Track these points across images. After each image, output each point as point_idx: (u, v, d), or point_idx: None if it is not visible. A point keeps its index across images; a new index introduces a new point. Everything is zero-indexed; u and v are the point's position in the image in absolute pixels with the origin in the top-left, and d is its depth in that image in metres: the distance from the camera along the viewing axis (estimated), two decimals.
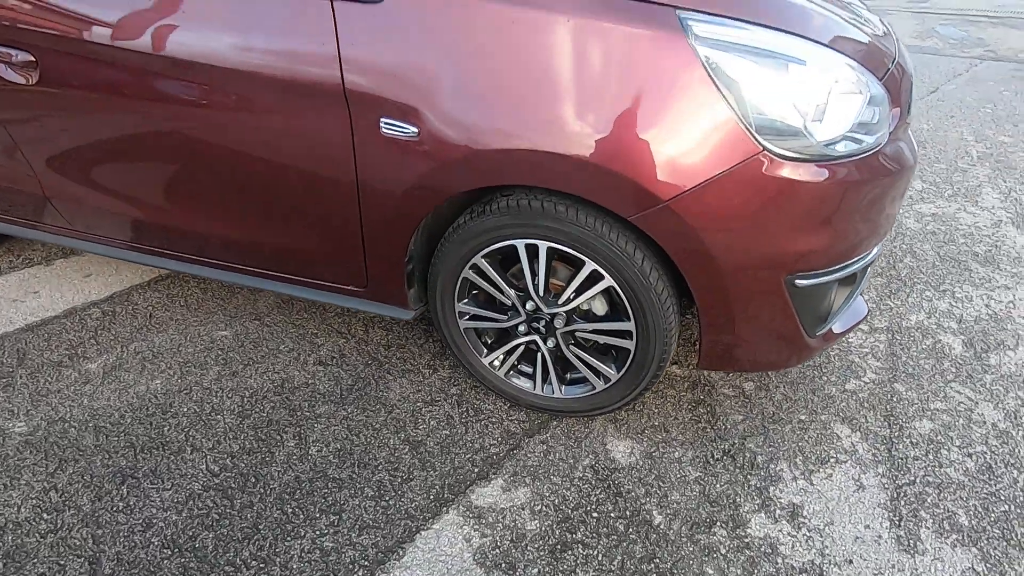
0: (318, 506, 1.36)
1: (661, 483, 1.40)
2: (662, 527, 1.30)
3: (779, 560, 1.24)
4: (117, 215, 1.70)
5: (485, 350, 1.55)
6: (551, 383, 1.51)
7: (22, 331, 1.98)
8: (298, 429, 1.57)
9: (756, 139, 1.06)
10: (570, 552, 1.26)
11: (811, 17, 1.15)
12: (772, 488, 1.38)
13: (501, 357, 1.54)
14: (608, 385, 1.44)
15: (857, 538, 1.27)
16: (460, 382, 1.70)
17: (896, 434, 1.51)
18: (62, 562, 1.26)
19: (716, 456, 1.46)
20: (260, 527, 1.32)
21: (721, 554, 1.25)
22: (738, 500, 1.36)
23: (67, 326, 1.99)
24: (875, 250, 1.34)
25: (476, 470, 1.44)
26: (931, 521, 1.30)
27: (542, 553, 1.26)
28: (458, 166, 1.19)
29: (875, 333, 1.85)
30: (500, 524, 1.32)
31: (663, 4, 1.05)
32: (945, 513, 1.32)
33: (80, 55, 1.39)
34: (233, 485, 1.42)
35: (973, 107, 3.65)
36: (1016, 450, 1.47)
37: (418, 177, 1.24)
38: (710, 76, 1.04)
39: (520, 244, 1.30)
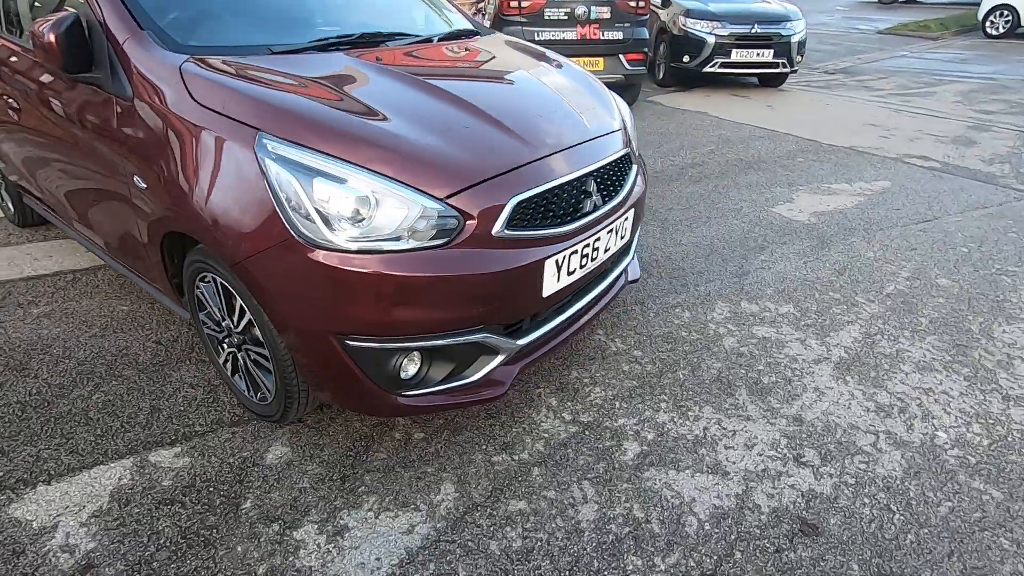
0: (43, 421, 1.94)
1: (278, 482, 1.76)
2: (245, 511, 1.66)
3: (292, 559, 1.53)
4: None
5: (224, 352, 2.04)
6: (253, 389, 1.95)
7: (23, 280, 2.88)
8: (98, 381, 2.17)
9: (292, 229, 1.45)
10: (171, 507, 1.68)
11: (386, 149, 1.51)
12: (345, 511, 1.67)
13: (231, 361, 2.02)
14: (272, 398, 1.85)
15: (361, 564, 1.52)
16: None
17: (488, 502, 1.70)
18: None
19: (333, 477, 1.78)
20: (18, 435, 1.92)
21: (262, 543, 1.58)
22: (311, 510, 1.67)
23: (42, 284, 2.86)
24: (450, 340, 1.60)
25: (172, 438, 1.92)
26: (435, 571, 1.51)
27: (153, 502, 1.69)
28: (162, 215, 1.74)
29: (573, 425, 2.00)
30: (149, 476, 1.77)
31: (251, 126, 1.51)
32: (450, 571, 1.51)
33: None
34: (32, 402, 2.05)
35: (952, 245, 3.36)
36: (573, 549, 1.58)
37: (155, 214, 1.80)
38: (267, 180, 1.47)
39: (210, 276, 1.80)
